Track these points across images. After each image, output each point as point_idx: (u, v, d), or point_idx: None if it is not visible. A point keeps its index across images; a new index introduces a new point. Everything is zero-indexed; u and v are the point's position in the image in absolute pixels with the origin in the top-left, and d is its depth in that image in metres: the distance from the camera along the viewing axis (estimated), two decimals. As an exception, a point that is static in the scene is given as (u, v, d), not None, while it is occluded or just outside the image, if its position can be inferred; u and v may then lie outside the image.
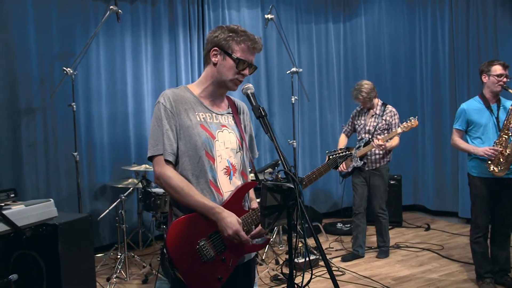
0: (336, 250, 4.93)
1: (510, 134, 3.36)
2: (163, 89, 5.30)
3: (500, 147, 3.36)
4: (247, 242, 1.82)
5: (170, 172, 1.83)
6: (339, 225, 5.82)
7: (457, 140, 3.71)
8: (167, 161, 1.84)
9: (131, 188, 4.28)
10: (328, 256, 4.63)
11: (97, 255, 4.57)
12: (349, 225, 5.68)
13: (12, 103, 4.57)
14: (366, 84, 4.46)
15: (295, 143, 5.09)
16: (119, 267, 4.05)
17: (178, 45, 5.46)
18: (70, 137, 4.50)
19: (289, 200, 1.60)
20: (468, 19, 5.84)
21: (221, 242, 1.83)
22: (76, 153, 4.32)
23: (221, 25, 1.94)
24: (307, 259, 1.80)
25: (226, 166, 1.91)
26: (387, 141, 4.28)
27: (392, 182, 5.90)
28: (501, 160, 3.37)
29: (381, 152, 4.46)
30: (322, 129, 6.45)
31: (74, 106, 4.34)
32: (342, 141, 4.80)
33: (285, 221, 1.66)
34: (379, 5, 6.63)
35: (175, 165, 1.87)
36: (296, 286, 1.68)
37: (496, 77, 3.46)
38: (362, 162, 4.50)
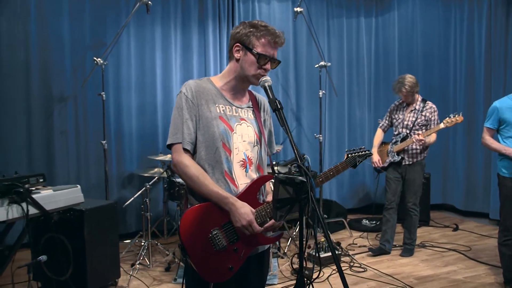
0: (359, 247, 4.88)
1: None
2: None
3: None
4: (260, 233, 1.83)
5: (187, 161, 1.86)
6: (364, 221, 5.76)
7: (488, 139, 3.59)
8: (185, 150, 1.87)
9: (156, 177, 4.36)
10: (351, 252, 4.59)
11: (123, 242, 4.71)
12: (374, 222, 5.62)
13: (46, 92, 4.74)
14: (410, 78, 4.38)
15: (321, 138, 5.06)
16: (143, 253, 4.15)
17: (207, 37, 5.50)
18: (99, 125, 4.63)
19: (301, 194, 1.60)
20: (508, 16, 5.62)
21: (234, 232, 1.85)
22: (104, 142, 4.44)
23: (244, 21, 1.94)
24: (318, 254, 1.79)
25: (243, 159, 1.92)
26: (426, 136, 4.22)
27: (421, 180, 5.79)
28: None
29: (419, 147, 4.38)
30: (350, 124, 6.37)
31: (104, 96, 4.46)
32: (378, 136, 4.72)
33: (297, 215, 1.65)
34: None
35: (193, 154, 1.90)
36: (305, 279, 1.66)
37: None
38: (400, 157, 4.44)
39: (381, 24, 6.48)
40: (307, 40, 5.96)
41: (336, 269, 3.63)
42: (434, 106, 4.42)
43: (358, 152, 2.14)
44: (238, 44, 1.90)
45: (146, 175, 4.54)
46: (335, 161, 6.31)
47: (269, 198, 2.01)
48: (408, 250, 4.57)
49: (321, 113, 5.07)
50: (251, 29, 1.88)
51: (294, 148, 1.70)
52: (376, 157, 4.56)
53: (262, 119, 2.04)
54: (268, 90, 1.85)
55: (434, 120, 4.35)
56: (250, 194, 1.90)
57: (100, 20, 4.93)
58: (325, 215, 5.26)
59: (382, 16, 6.48)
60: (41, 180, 2.94)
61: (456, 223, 5.76)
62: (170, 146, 1.92)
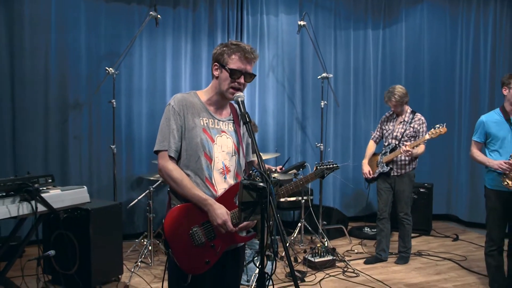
0: (356, 253, 5.02)
1: None
2: (200, 89, 5.63)
3: None
4: (233, 232, 2.03)
5: (171, 166, 2.08)
6: (365, 229, 5.89)
7: (475, 152, 3.72)
8: (170, 157, 2.09)
9: (160, 181, 4.61)
10: (347, 258, 4.74)
11: (130, 241, 4.96)
12: (375, 230, 5.73)
13: (63, 99, 5.07)
14: (400, 88, 4.53)
15: (322, 146, 5.23)
16: (145, 252, 4.40)
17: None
18: (111, 131, 4.91)
19: (263, 198, 1.80)
20: None
21: (212, 230, 2.06)
22: (113, 146, 4.73)
23: (222, 42, 2.16)
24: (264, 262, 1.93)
25: (221, 167, 2.13)
26: (414, 148, 4.34)
27: (422, 190, 5.91)
28: None
29: (407, 158, 4.51)
30: (355, 134, 6.52)
31: (114, 103, 4.76)
32: (370, 147, 4.86)
33: (259, 217, 1.85)
34: (421, 12, 6.59)
35: (177, 160, 2.12)
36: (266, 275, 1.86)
37: None
38: (389, 167, 4.57)
39: (389, 36, 6.62)
40: (313, 52, 6.15)
41: (329, 274, 3.79)
42: (422, 118, 4.55)
43: (327, 166, 2.33)
44: (216, 63, 2.13)
45: (152, 178, 4.79)
46: (339, 170, 6.44)
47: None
48: (403, 258, 4.69)
49: (322, 123, 5.26)
50: (224, 48, 2.10)
51: (258, 156, 1.90)
52: (366, 169, 4.71)
53: (241, 132, 2.25)
54: (240, 105, 2.06)
55: (422, 131, 4.48)
56: (227, 198, 2.11)
57: (115, 32, 5.24)
58: (324, 222, 5.41)
59: (390, 27, 6.62)
60: (50, 180, 3.20)
61: (458, 233, 5.84)
62: (157, 152, 2.14)
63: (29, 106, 4.92)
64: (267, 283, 1.86)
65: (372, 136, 4.89)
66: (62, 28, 5.02)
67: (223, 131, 2.16)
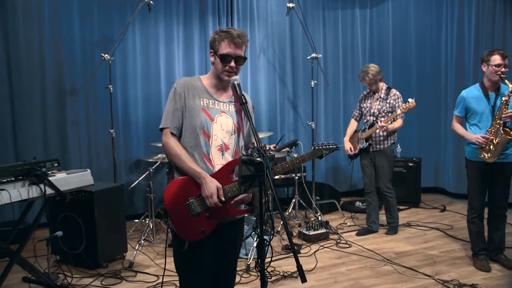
0: (349, 226, 5.27)
1: (501, 124, 3.54)
2: (193, 73, 5.78)
3: (491, 136, 3.56)
4: (218, 206, 2.18)
5: (172, 142, 2.27)
6: (357, 203, 6.12)
7: (456, 125, 3.93)
8: (172, 134, 2.28)
9: (159, 162, 4.78)
10: (340, 231, 4.98)
11: (131, 222, 5.16)
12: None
13: (59, 85, 5.19)
14: (373, 67, 4.72)
15: (313, 125, 5.42)
16: (147, 231, 4.60)
17: (207, 31, 5.86)
18: (108, 115, 5.06)
19: (260, 171, 1.98)
20: (494, 8, 5.88)
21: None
22: (112, 130, 4.88)
23: (216, 30, 2.32)
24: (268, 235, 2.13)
25: (220, 144, 2.31)
26: (390, 123, 4.54)
27: (410, 164, 6.15)
28: (491, 148, 3.58)
29: (384, 133, 4.71)
30: (345, 112, 6.70)
31: (111, 88, 4.89)
32: (351, 125, 5.09)
33: (257, 189, 2.04)
34: (407, -10, 6.73)
35: (179, 137, 2.30)
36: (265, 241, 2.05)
37: (494, 67, 3.62)
38: (367, 143, 4.79)
39: (376, 15, 6.76)
40: (302, 33, 6.27)
41: (323, 245, 4.01)
42: (398, 93, 4.73)
43: (326, 146, 2.52)
44: (211, 50, 2.30)
45: (151, 160, 4.95)
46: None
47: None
48: (392, 228, 4.94)
49: (312, 102, 5.43)
50: (215, 36, 2.28)
51: (254, 135, 2.07)
52: (347, 145, 4.93)
53: (243, 113, 2.41)
54: (237, 87, 2.23)
55: (398, 106, 4.66)
56: (224, 173, 2.28)
57: (107, 19, 5.34)
58: (317, 197, 5.63)
59: (377, 6, 6.76)
60: (56, 164, 3.36)
61: (446, 204, 6.10)
62: (161, 130, 2.32)
63: (27, 94, 5.03)
64: (266, 249, 2.06)
65: (353, 115, 5.10)
66: (56, 17, 5.11)
67: (223, 111, 2.33)
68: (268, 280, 3.63)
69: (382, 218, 5.19)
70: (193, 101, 2.27)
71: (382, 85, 4.80)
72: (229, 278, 2.46)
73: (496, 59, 3.62)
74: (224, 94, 2.38)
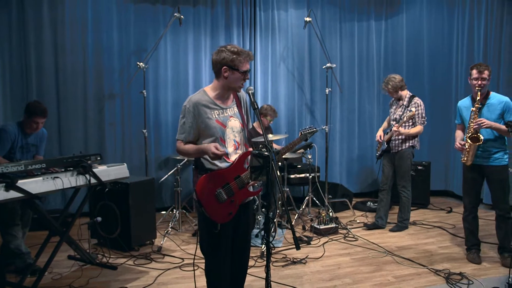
0: (358, 222, 5.68)
1: (471, 131, 3.93)
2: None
3: (466, 142, 3.98)
4: (224, 154, 2.66)
5: (182, 146, 2.80)
6: (369, 203, 6.53)
7: (456, 132, 4.34)
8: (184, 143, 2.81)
9: (185, 160, 5.33)
10: (349, 227, 5.41)
11: (159, 213, 5.72)
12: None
13: (98, 90, 5.84)
14: (394, 78, 5.15)
15: (327, 129, 5.88)
16: (174, 220, 5.16)
17: (232, 41, 6.40)
18: (141, 118, 5.67)
19: (267, 163, 2.48)
20: (502, 19, 6.22)
21: (231, 189, 2.74)
22: (145, 130, 5.47)
23: (221, 48, 2.73)
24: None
25: (234, 144, 2.82)
26: (406, 128, 5.00)
27: (419, 168, 6.53)
28: (466, 152, 4.00)
29: (400, 137, 5.12)
30: (360, 117, 7.14)
31: (145, 93, 5.48)
32: (385, 123, 5.56)
33: (265, 177, 2.53)
34: (420, 3, 7.13)
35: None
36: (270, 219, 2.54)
37: (473, 81, 3.99)
38: (386, 145, 5.23)
39: (390, 26, 7.18)
40: (320, 44, 6.76)
41: (331, 238, 4.45)
42: (419, 101, 5.12)
43: (308, 130, 3.15)
44: (225, 67, 2.71)
45: (178, 158, 5.50)
46: (345, 150, 7.13)
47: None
48: (399, 226, 5.33)
49: (327, 108, 5.90)
50: (234, 56, 2.69)
51: (264, 134, 2.57)
52: (378, 133, 5.39)
53: (243, 110, 2.92)
54: (251, 96, 2.73)
55: (418, 114, 5.06)
56: (239, 164, 2.79)
57: (142, 31, 5.96)
58: (330, 196, 6.06)
59: (391, 19, 7.18)
60: (99, 158, 3.93)
61: (453, 206, 6.45)
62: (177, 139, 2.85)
63: (70, 97, 5.70)
64: (271, 225, 2.55)
65: (387, 117, 5.56)
66: (97, 28, 5.77)
67: (231, 116, 2.83)
68: (280, 265, 4.13)
69: (392, 217, 5.58)
70: (206, 116, 2.73)
71: (406, 93, 5.21)
72: (246, 252, 2.98)
73: (474, 73, 3.97)
74: (228, 100, 2.86)
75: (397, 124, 5.01)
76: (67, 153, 5.51)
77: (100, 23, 5.77)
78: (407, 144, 5.17)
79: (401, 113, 5.16)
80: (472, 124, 3.92)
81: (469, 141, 3.95)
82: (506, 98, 4.01)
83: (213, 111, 2.76)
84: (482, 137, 3.89)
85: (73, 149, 5.51)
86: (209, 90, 2.84)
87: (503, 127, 3.84)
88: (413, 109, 4.90)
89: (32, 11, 5.48)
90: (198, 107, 2.73)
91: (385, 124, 5.55)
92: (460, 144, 4.06)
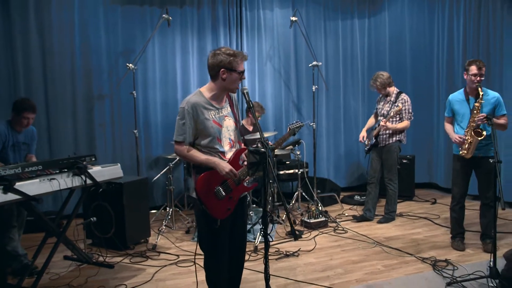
0: (346, 216, 5.84)
1: (474, 125, 4.09)
2: (206, 80, 6.37)
3: (467, 136, 4.13)
4: (237, 175, 2.79)
5: (185, 149, 2.85)
6: (356, 197, 6.71)
7: (446, 125, 4.51)
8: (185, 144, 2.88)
9: (178, 159, 5.41)
10: (338, 220, 5.56)
11: (151, 212, 5.79)
12: (365, 198, 6.55)
13: (88, 91, 5.87)
14: (382, 75, 5.33)
15: (314, 125, 6.02)
16: (168, 218, 5.24)
17: (219, 41, 6.49)
18: (131, 118, 5.73)
19: (263, 159, 2.59)
20: (479, 15, 6.44)
21: (229, 187, 2.85)
22: (135, 131, 5.53)
23: (217, 51, 2.82)
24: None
25: (229, 142, 2.92)
26: (386, 122, 5.14)
27: (404, 161, 6.72)
28: (467, 146, 4.16)
29: (387, 132, 5.29)
30: (345, 114, 7.31)
31: (135, 94, 5.54)
32: (369, 121, 5.74)
33: (261, 172, 2.64)
34: (402, 1, 7.31)
35: (193, 144, 2.89)
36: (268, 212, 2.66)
37: (472, 76, 4.16)
38: (374, 140, 5.39)
39: (373, 24, 7.36)
40: (305, 43, 6.88)
41: (321, 231, 4.58)
42: (406, 97, 5.30)
43: (295, 125, 3.37)
44: (223, 69, 2.80)
45: (169, 157, 5.58)
46: (332, 146, 7.28)
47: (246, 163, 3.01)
48: (386, 218, 5.50)
49: (314, 105, 6.03)
50: (231, 58, 2.79)
51: (260, 131, 2.68)
52: (361, 134, 5.56)
53: (235, 108, 3.02)
54: (246, 95, 2.83)
55: (405, 109, 5.24)
56: (235, 161, 2.90)
57: (130, 32, 6.00)
58: (318, 190, 6.21)
59: (374, 17, 7.35)
60: (93, 159, 3.99)
61: (437, 198, 6.66)
62: (175, 141, 2.89)
63: (60, 99, 5.71)
64: (267, 219, 2.66)
65: (374, 112, 5.72)
66: (84, 30, 5.79)
67: (226, 116, 2.93)
68: (273, 258, 4.25)
69: (380, 209, 5.75)
70: (204, 116, 2.81)
71: (393, 90, 5.38)
72: (243, 246, 3.11)
73: (473, 69, 4.14)
74: (223, 101, 2.96)
75: (384, 119, 5.18)
76: (58, 154, 5.55)
77: (87, 25, 5.80)
78: (394, 138, 5.34)
79: (388, 109, 5.32)
80: (476, 118, 4.07)
81: (473, 134, 4.10)
82: (497, 94, 4.22)
83: (210, 112, 2.85)
84: (484, 132, 4.06)
85: (63, 150, 5.55)
86: (205, 91, 2.91)
87: (501, 121, 4.11)
88: (400, 105, 5.07)
89: (19, 17, 5.47)
90: (196, 109, 2.80)
91: (369, 122, 5.71)
92: (460, 138, 4.19)
